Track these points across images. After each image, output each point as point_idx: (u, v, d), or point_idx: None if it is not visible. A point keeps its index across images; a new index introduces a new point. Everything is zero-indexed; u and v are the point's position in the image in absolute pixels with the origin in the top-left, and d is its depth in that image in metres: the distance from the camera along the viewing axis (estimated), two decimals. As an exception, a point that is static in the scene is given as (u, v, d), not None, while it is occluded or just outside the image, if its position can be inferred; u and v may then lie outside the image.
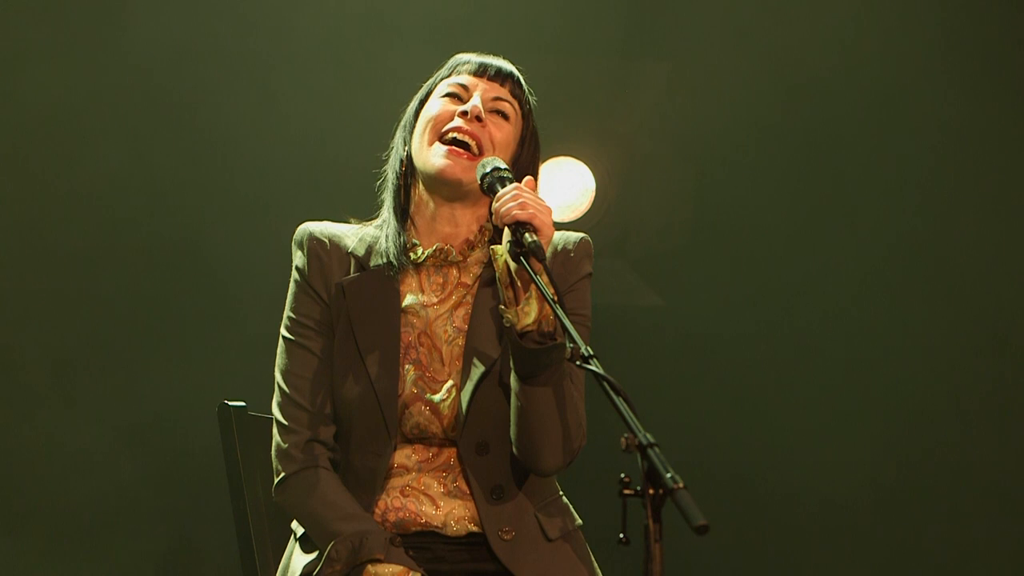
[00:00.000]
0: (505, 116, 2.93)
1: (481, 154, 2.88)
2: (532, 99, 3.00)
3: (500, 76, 2.95)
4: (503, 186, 2.77)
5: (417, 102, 2.98)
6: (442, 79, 2.97)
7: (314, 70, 4.86)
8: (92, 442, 4.76)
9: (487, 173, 2.82)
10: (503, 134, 2.91)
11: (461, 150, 2.87)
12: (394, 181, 2.95)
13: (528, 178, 2.79)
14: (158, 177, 4.81)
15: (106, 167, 4.79)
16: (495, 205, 2.74)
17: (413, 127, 2.95)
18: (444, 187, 2.89)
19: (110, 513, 4.77)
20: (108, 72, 4.76)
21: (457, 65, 2.98)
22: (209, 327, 4.83)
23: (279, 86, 4.84)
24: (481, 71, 2.95)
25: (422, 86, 3.02)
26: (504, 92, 2.94)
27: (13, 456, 4.74)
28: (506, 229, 2.70)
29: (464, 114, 2.88)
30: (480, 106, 2.88)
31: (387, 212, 2.95)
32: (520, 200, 2.70)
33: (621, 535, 2.21)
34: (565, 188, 5.10)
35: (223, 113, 4.81)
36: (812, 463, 5.07)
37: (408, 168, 2.95)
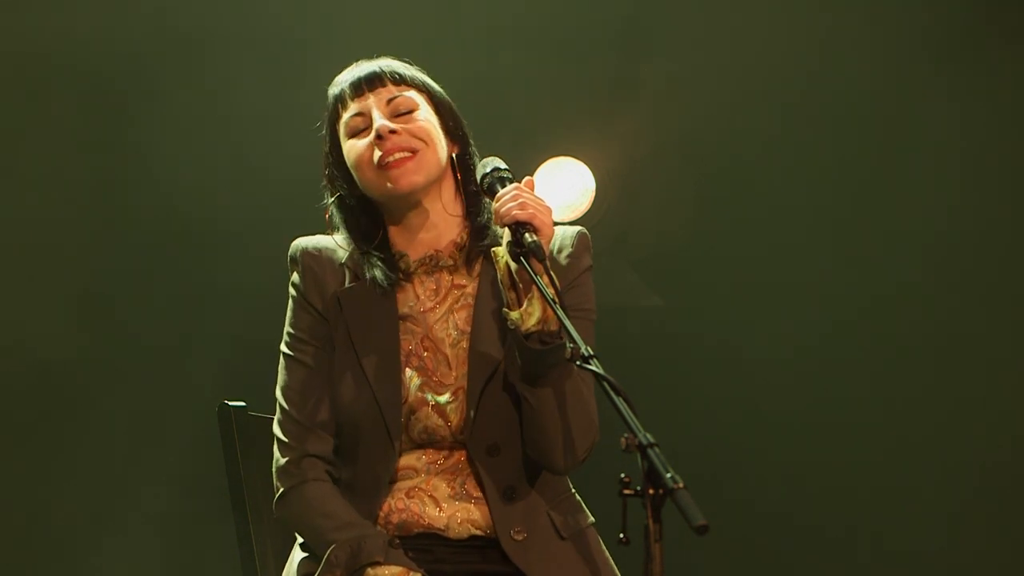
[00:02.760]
0: (408, 110, 2.90)
1: (415, 152, 2.86)
2: (415, 68, 2.96)
3: (374, 81, 2.92)
4: (503, 186, 2.78)
5: (328, 147, 2.94)
6: (336, 117, 2.93)
7: (320, 72, 4.84)
8: (91, 441, 4.76)
9: (487, 173, 2.83)
10: (418, 124, 2.89)
11: (400, 161, 2.85)
12: (358, 218, 2.92)
13: (528, 178, 2.80)
14: (159, 176, 4.81)
15: (104, 166, 4.79)
16: (495, 206, 2.74)
17: (349, 178, 2.91)
18: (410, 200, 2.88)
19: (110, 512, 4.77)
20: (107, 71, 4.76)
21: (337, 98, 2.93)
22: (210, 327, 4.83)
23: (281, 89, 4.84)
24: (357, 90, 2.92)
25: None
26: (390, 91, 2.91)
27: (15, 455, 4.74)
28: (506, 229, 2.70)
29: (379, 139, 2.85)
30: (386, 123, 2.86)
31: (358, 246, 2.92)
32: (520, 200, 2.70)
33: (621, 535, 2.21)
34: (565, 188, 5.10)
35: (226, 113, 4.82)
36: (813, 463, 5.07)
37: (368, 202, 2.92)
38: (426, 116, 2.91)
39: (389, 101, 2.90)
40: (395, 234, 2.94)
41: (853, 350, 5.09)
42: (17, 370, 4.75)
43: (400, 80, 2.93)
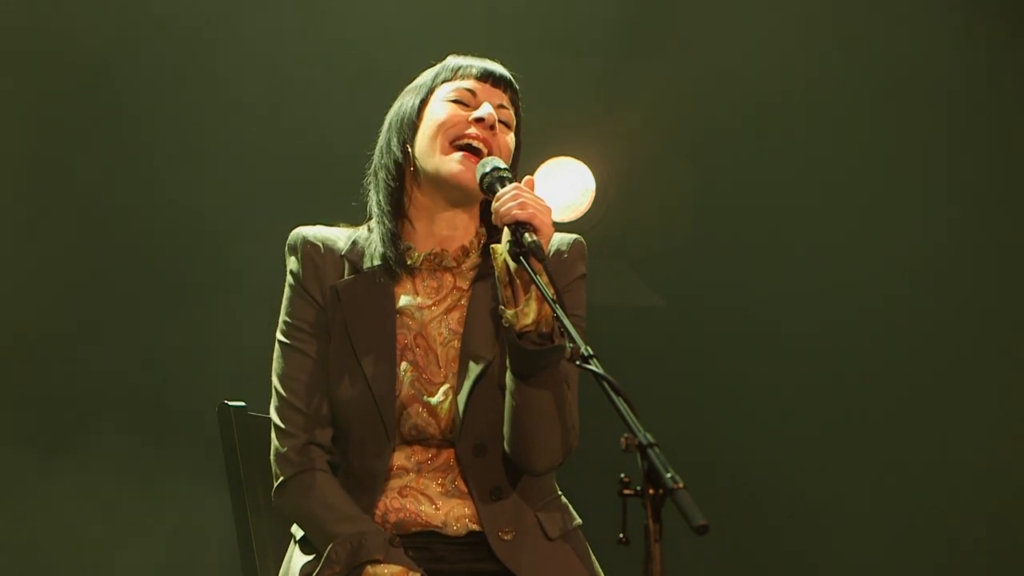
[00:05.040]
0: (507, 125, 2.94)
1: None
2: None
3: (502, 83, 2.95)
4: (503, 186, 2.78)
5: (416, 102, 2.95)
6: (443, 81, 2.96)
7: (315, 68, 4.85)
8: (91, 439, 4.76)
9: (487, 173, 2.82)
10: (506, 143, 2.92)
11: (475, 156, 2.87)
12: (389, 181, 2.94)
13: (528, 178, 2.80)
14: (158, 174, 4.81)
15: (103, 164, 4.79)
16: (495, 205, 2.74)
17: (415, 127, 2.94)
18: (454, 192, 2.89)
19: (110, 512, 4.77)
20: (104, 67, 4.77)
21: (459, 68, 2.96)
22: (209, 326, 4.83)
23: (277, 87, 4.84)
24: (485, 76, 2.95)
25: (411, 84, 3.01)
26: (506, 100, 2.95)
27: (14, 454, 4.74)
28: (506, 229, 2.70)
29: (479, 121, 2.88)
30: (494, 114, 2.89)
31: (379, 213, 2.94)
32: (520, 200, 2.70)
33: (621, 535, 2.21)
34: (565, 188, 5.10)
35: (227, 113, 4.82)
36: (812, 463, 5.08)
37: (409, 169, 2.94)
38: (511, 139, 2.94)
39: (499, 106, 2.92)
40: (412, 220, 2.93)
41: (853, 350, 5.09)
42: (17, 369, 4.75)
43: (514, 100, 2.97)
